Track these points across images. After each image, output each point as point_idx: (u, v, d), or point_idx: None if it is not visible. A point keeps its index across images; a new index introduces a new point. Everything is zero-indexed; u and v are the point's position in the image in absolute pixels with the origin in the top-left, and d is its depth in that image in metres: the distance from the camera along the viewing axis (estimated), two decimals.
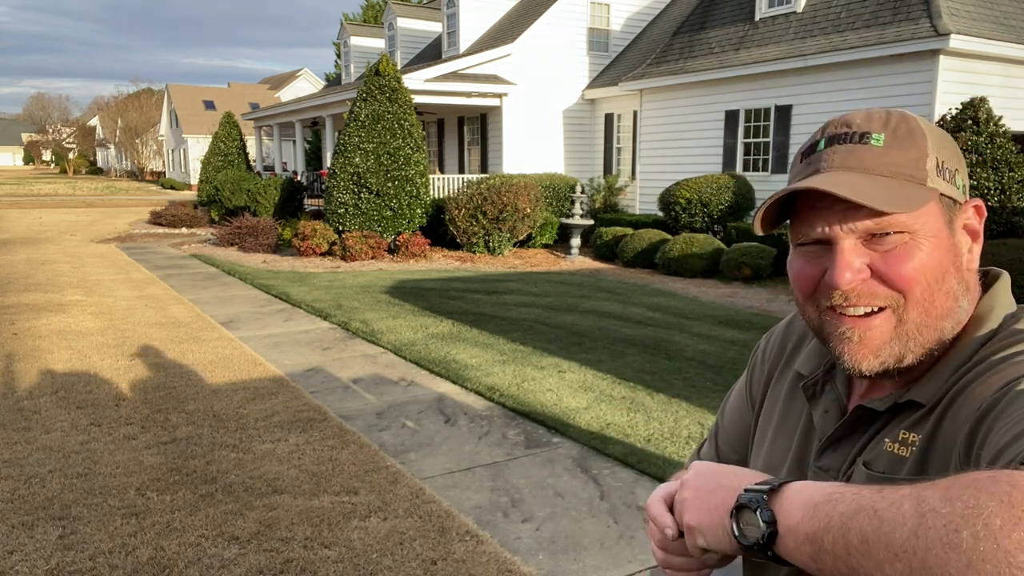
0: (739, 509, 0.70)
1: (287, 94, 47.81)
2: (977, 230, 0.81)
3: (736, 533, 0.70)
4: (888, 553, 0.55)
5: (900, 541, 0.54)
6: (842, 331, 0.80)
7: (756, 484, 0.71)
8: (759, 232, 0.85)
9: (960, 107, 9.88)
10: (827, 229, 0.78)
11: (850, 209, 0.76)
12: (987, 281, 0.85)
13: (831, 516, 0.61)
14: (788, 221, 0.84)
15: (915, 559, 0.53)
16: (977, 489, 0.53)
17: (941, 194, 0.77)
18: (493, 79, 16.50)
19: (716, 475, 0.76)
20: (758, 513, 0.67)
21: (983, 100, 9.69)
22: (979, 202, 0.81)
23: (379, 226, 13.39)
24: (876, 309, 0.78)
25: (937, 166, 0.77)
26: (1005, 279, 0.84)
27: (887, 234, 0.76)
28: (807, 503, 0.64)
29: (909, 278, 0.76)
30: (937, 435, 0.75)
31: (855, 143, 0.78)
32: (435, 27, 22.08)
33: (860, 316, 0.79)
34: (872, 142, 0.78)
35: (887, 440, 0.80)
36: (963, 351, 0.79)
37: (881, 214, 0.75)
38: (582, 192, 14.40)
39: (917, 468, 0.76)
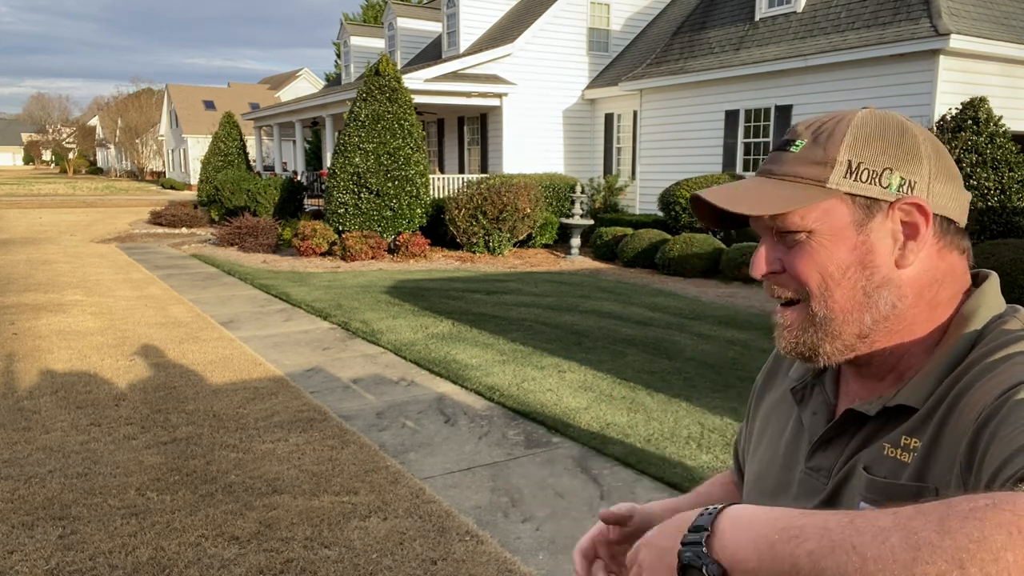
0: (684, 570, 0.65)
1: (287, 94, 47.82)
2: (915, 225, 0.80)
3: None
4: None
5: None
6: (774, 316, 0.88)
7: (689, 533, 0.66)
8: (709, 225, 0.92)
9: (960, 107, 9.88)
10: (755, 227, 0.87)
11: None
12: (976, 282, 0.86)
13: (796, 556, 0.56)
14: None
15: None
16: (979, 520, 0.50)
17: (850, 194, 0.80)
18: (493, 79, 16.50)
19: (664, 535, 0.70)
20: (704, 570, 0.63)
21: (983, 100, 9.69)
22: (917, 200, 0.79)
23: (379, 226, 13.39)
24: (791, 300, 0.85)
25: (849, 168, 0.79)
26: (993, 280, 0.84)
27: (790, 232, 0.82)
28: (759, 542, 0.60)
29: (802, 273, 0.82)
30: (940, 441, 0.74)
31: (781, 150, 0.85)
32: (435, 27, 22.09)
33: (783, 305, 0.86)
34: (792, 148, 0.83)
35: (887, 445, 0.79)
36: (951, 352, 0.79)
37: (775, 215, 0.82)
38: (582, 192, 14.40)
39: (917, 474, 0.75)
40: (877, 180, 0.79)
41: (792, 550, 0.56)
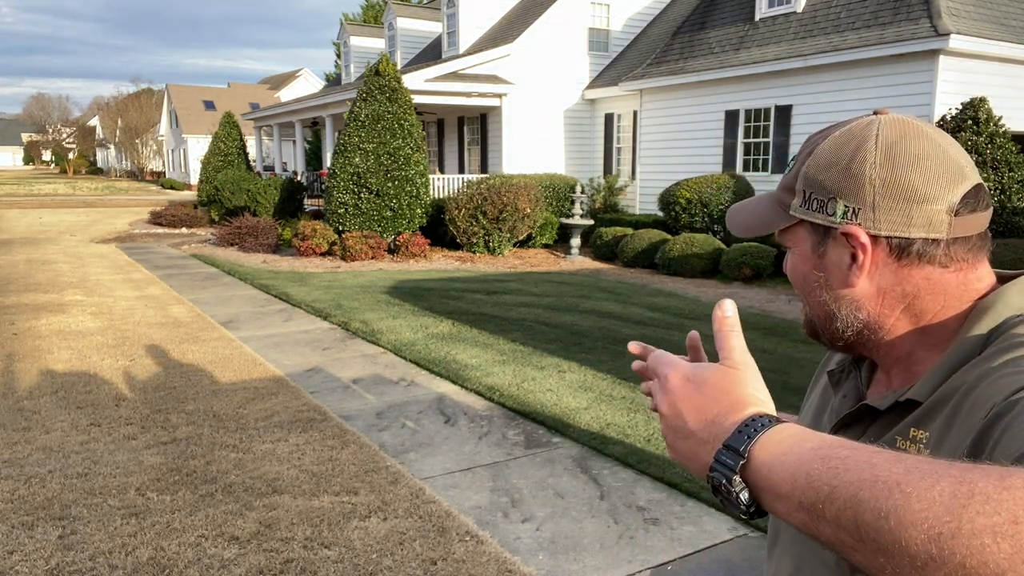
0: (713, 486, 0.67)
1: (287, 94, 47.81)
2: (854, 250, 0.84)
3: (719, 499, 0.67)
4: (916, 532, 0.50)
5: (933, 521, 0.50)
6: None
7: (725, 450, 0.65)
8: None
9: (960, 107, 9.89)
10: None
11: None
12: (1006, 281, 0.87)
13: (834, 486, 0.56)
14: None
15: (954, 543, 0.48)
16: None
17: (807, 220, 0.87)
18: (493, 79, 16.50)
19: (703, 419, 0.70)
20: (735, 497, 0.64)
21: (983, 100, 9.69)
22: (849, 229, 0.83)
23: (379, 226, 13.39)
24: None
25: (804, 196, 0.87)
26: (1020, 280, 0.84)
27: (786, 246, 0.93)
28: (796, 471, 0.59)
29: (791, 281, 0.94)
30: (947, 435, 0.75)
31: (787, 167, 0.93)
32: (435, 27, 22.09)
33: None
34: (786, 169, 0.92)
35: (899, 438, 0.82)
36: (960, 349, 0.80)
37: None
38: (582, 192, 14.40)
39: None
40: (824, 208, 0.85)
41: (830, 480, 0.56)
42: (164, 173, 53.18)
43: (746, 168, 13.58)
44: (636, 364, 0.85)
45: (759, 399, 0.70)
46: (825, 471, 0.57)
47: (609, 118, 17.36)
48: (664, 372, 0.75)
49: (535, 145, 17.10)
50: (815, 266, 0.89)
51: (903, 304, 0.85)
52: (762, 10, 13.74)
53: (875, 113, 0.87)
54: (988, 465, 0.53)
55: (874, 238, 0.82)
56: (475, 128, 18.79)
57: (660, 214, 13.56)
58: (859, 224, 0.82)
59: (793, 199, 0.88)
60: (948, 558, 0.49)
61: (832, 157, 0.84)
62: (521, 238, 13.97)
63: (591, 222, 14.08)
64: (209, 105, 46.86)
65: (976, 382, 0.74)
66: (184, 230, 19.67)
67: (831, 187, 0.84)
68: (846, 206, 0.83)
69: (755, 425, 0.66)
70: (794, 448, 0.62)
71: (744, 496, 0.64)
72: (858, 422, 0.89)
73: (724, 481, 0.65)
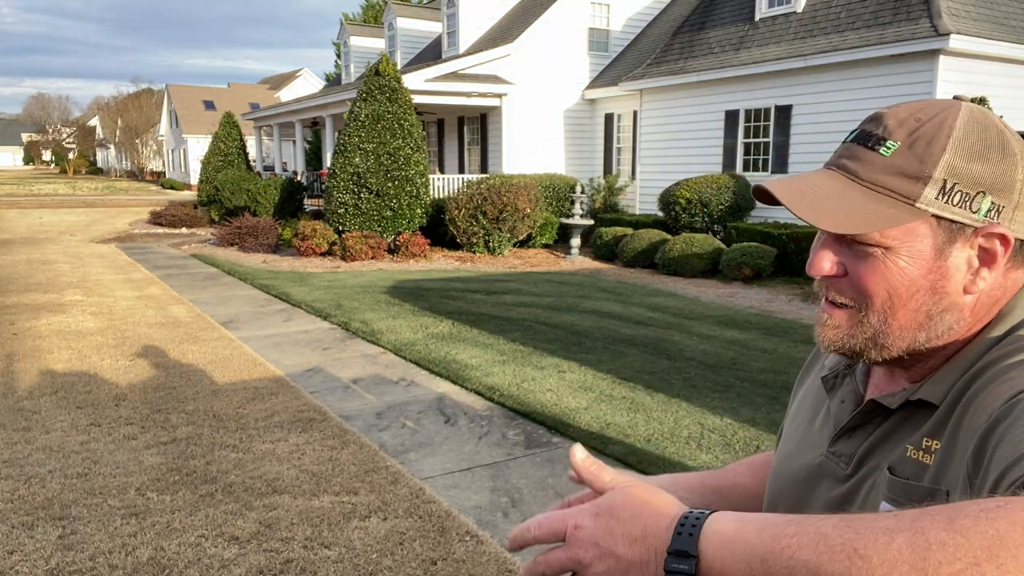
0: None
1: (287, 94, 47.81)
2: (993, 253, 0.76)
3: None
4: None
5: None
6: (819, 312, 0.85)
7: (672, 557, 0.61)
8: (764, 201, 0.84)
9: None
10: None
11: None
12: None
13: (792, 568, 0.53)
14: None
15: None
16: (992, 520, 0.48)
17: (937, 216, 0.75)
18: (493, 79, 16.50)
19: (626, 540, 0.65)
20: None
21: (983, 100, 9.68)
22: (1002, 230, 0.74)
23: (379, 226, 13.39)
24: (842, 303, 0.81)
25: (943, 188, 0.74)
26: None
27: (862, 242, 0.77)
28: (750, 558, 0.56)
29: (869, 288, 0.78)
30: (954, 443, 0.73)
31: (867, 148, 0.78)
32: (435, 27, 22.09)
33: (832, 303, 0.82)
34: (882, 150, 0.76)
35: (910, 447, 0.78)
36: (973, 351, 0.78)
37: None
38: (582, 192, 14.40)
39: (935, 476, 0.74)
40: (968, 204, 0.74)
41: (786, 562, 0.54)
42: (164, 173, 53.18)
43: (746, 168, 13.58)
44: (515, 542, 0.74)
45: (674, 500, 0.66)
46: (779, 553, 0.55)
47: (609, 118, 17.36)
48: (567, 523, 0.69)
49: (535, 145, 17.10)
50: (932, 270, 0.76)
51: (987, 308, 0.79)
52: (762, 10, 13.74)
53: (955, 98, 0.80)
54: (935, 507, 0.52)
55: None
56: (475, 128, 18.79)
57: (660, 214, 13.56)
58: (999, 223, 0.75)
59: (923, 189, 0.74)
60: None
61: (982, 147, 0.74)
62: (521, 238, 13.98)
63: (591, 222, 14.08)
64: (209, 105, 46.86)
65: (980, 387, 0.73)
66: (184, 230, 19.67)
67: (984, 180, 0.74)
68: (993, 203, 0.74)
69: (690, 522, 0.62)
70: (739, 534, 0.59)
71: None
72: (865, 424, 0.85)
73: None
